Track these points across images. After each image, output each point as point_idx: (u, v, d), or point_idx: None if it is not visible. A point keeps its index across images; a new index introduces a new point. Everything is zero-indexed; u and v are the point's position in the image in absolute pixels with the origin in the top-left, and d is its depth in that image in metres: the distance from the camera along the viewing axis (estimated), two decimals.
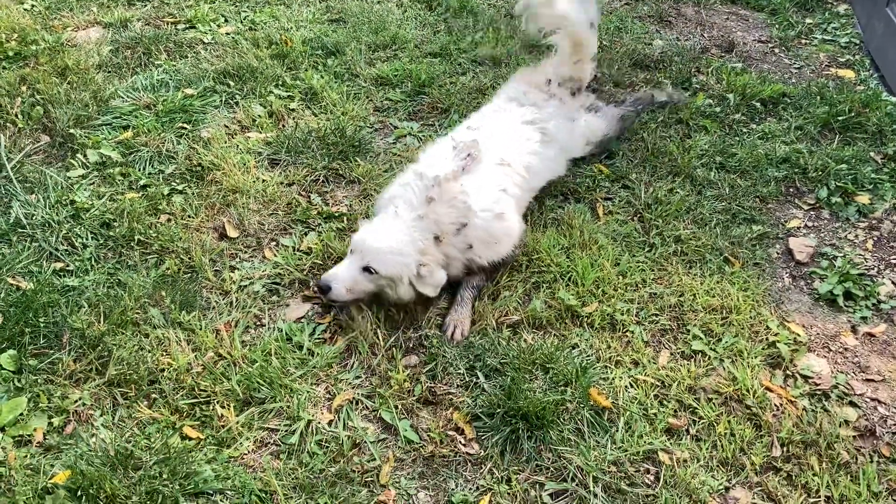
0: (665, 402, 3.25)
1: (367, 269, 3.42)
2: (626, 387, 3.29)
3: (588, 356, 3.41)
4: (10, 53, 5.00)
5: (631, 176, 4.46)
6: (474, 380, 3.31)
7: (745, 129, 4.91)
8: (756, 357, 3.44)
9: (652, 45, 5.91)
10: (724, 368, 3.41)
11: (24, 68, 4.87)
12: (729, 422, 3.17)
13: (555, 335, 3.53)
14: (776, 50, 5.96)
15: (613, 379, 3.32)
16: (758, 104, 5.13)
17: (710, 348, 3.49)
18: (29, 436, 2.99)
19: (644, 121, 4.89)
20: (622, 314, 3.61)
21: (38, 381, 3.17)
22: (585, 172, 4.48)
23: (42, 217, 3.90)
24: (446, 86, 5.12)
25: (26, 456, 2.90)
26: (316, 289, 3.53)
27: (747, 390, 3.28)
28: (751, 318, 3.64)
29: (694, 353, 3.48)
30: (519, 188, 3.88)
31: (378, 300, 3.58)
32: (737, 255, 3.99)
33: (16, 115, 4.51)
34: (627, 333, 3.55)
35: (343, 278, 3.43)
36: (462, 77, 5.33)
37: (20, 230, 3.85)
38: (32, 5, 5.69)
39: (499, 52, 5.52)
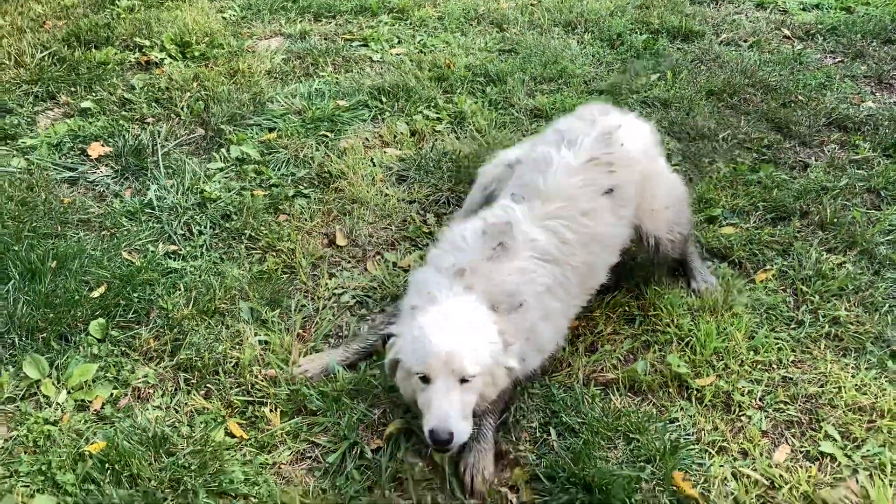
0: None
1: (464, 381, 2.54)
2: (724, 479, 2.74)
3: (686, 434, 2.90)
4: (196, 54, 5.34)
5: (795, 243, 3.84)
6: (545, 436, 2.91)
7: None
8: None
9: (860, 106, 5.17)
10: (856, 481, 2.74)
11: (201, 67, 5.15)
12: None
13: (653, 404, 3.04)
14: None
15: (710, 466, 2.78)
16: None
17: (845, 454, 2.84)
18: (90, 402, 3.01)
19: (825, 185, 4.23)
20: (742, 394, 3.06)
21: (115, 351, 3.21)
22: (745, 233, 3.91)
23: (171, 201, 4.03)
24: None
25: (80, 421, 2.92)
26: (434, 446, 2.53)
27: None
28: None
29: (821, 456, 2.85)
30: (565, 289, 2.95)
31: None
32: None
33: (181, 108, 4.76)
34: (743, 417, 2.99)
35: (456, 413, 2.48)
36: None
37: (149, 210, 3.99)
38: (231, 14, 6.07)
39: (671, 95, 5.07)
